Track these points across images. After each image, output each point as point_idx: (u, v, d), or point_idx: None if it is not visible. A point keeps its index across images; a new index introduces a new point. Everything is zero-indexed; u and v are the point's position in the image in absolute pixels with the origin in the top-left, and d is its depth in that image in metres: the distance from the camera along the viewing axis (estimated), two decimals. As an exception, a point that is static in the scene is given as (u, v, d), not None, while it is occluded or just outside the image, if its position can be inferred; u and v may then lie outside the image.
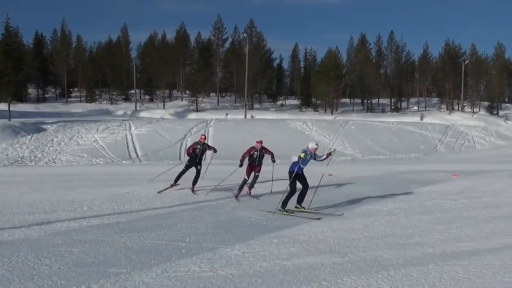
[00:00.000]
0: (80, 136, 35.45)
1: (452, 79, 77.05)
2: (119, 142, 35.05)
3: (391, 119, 59.69)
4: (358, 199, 12.85)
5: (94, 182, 16.49)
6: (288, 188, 10.88)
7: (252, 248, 7.52)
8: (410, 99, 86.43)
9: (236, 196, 12.87)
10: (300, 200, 11.00)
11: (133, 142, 35.63)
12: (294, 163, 10.94)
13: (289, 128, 45.24)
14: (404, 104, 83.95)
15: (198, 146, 14.33)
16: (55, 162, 28.92)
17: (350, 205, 11.93)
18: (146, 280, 5.87)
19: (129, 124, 40.70)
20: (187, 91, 79.52)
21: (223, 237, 8.32)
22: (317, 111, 75.07)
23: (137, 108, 71.44)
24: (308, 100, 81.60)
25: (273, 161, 13.75)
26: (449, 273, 6.21)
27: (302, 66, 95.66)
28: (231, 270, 6.32)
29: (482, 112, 74.15)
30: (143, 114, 65.94)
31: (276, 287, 5.62)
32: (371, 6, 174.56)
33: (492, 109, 76.41)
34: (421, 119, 60.50)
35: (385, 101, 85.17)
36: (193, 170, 14.16)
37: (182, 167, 14.64)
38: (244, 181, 13.25)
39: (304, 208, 10.95)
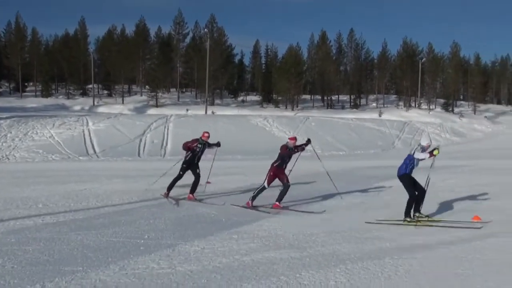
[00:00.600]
0: (35, 132, 34.46)
1: (409, 76, 78.90)
2: (76, 137, 34.28)
3: (350, 115, 60.58)
4: (317, 195, 13.00)
5: (49, 179, 16.11)
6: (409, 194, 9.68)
7: (212, 244, 7.51)
8: (369, 96, 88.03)
9: (250, 207, 10.84)
10: (418, 207, 9.76)
11: (90, 138, 34.92)
12: (405, 166, 9.72)
13: (250, 124, 45.30)
14: (363, 101, 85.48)
15: (199, 145, 12.25)
16: (8, 159, 28.05)
17: (309, 201, 12.06)
18: (103, 277, 5.77)
19: (87, 119, 39.84)
20: (147, 86, 78.62)
21: (182, 233, 8.28)
22: (278, 107, 75.51)
23: (95, 103, 70.08)
24: (269, 96, 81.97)
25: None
26: (404, 266, 6.37)
27: (263, 62, 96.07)
28: (190, 266, 6.29)
29: (438, 109, 76.25)
30: (101, 109, 64.75)
31: (235, 283, 5.63)
32: (332, 4, 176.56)
33: (447, 106, 78.70)
34: (380, 115, 61.64)
35: (345, 98, 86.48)
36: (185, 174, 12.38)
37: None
38: (262, 189, 11.13)
39: (427, 216, 9.80)
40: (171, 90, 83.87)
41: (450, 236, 8.28)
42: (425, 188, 9.98)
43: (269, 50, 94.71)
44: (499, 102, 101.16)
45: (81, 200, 11.49)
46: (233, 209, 10.81)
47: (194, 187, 11.99)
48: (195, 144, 12.22)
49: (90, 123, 38.28)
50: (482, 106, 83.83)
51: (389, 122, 53.39)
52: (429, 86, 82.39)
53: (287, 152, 11.30)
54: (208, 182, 15.21)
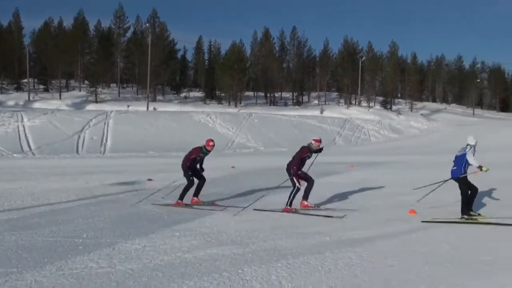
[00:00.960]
0: (-35, 128, 32.84)
1: (350, 74, 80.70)
2: (10, 134, 32.94)
3: (293, 112, 61.38)
4: (260, 191, 13.09)
5: (-19, 177, 15.39)
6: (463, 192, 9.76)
7: (153, 242, 7.43)
8: (311, 93, 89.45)
9: (293, 211, 10.39)
10: (470, 206, 9.80)
11: (25, 134, 33.66)
12: (461, 168, 9.78)
13: (192, 121, 45.07)
14: (305, 98, 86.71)
15: (201, 154, 11.49)
16: None
17: (252, 197, 12.13)
18: (39, 278, 5.58)
19: (21, 115, 38.37)
20: (86, 81, 76.32)
21: (122, 231, 8.14)
22: (221, 103, 75.38)
23: (30, 98, 67.27)
24: (212, 93, 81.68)
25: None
26: (343, 260, 6.54)
27: (206, 58, 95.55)
28: (131, 265, 6.20)
29: (377, 106, 78.50)
30: (37, 104, 62.22)
31: (177, 280, 5.60)
32: (275, 1, 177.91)
33: (386, 104, 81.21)
34: (321, 113, 62.72)
35: (288, 95, 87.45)
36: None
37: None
38: (297, 191, 10.58)
39: (478, 214, 9.87)
40: (111, 85, 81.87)
41: (389, 230, 8.57)
42: None
43: (212, 46, 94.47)
44: (434, 100, 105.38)
45: (15, 199, 11.06)
46: (175, 207, 10.71)
47: (198, 190, 11.36)
48: (197, 155, 11.41)
49: (25, 119, 36.88)
50: (419, 104, 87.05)
51: (331, 119, 54.54)
52: (368, 84, 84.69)
53: (307, 156, 11.16)
54: (149, 180, 15.04)
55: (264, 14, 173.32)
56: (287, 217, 9.68)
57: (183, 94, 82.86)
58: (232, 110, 64.38)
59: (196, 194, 11.30)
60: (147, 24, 76.84)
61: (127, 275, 5.79)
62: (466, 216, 9.53)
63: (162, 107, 60.94)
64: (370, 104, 78.51)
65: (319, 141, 11.16)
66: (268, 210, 10.30)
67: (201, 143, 11.25)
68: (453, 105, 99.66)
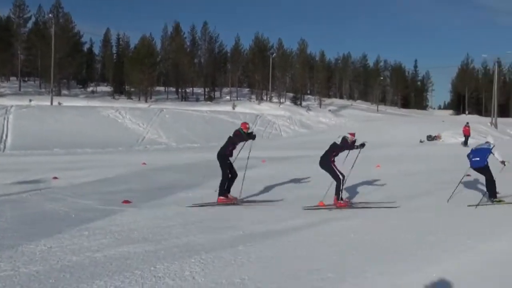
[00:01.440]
0: None
1: (261, 71, 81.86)
2: None
3: (205, 108, 61.21)
4: (173, 187, 13.00)
5: None
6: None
7: (60, 242, 7.13)
8: (223, 89, 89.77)
9: (345, 205, 10.46)
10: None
11: None
12: (486, 159, 10.99)
13: (100, 116, 43.60)
14: (217, 94, 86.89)
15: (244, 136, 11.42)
16: None
17: (165, 193, 12.02)
18: None
19: None
20: (-18, 74, 71.35)
21: (26, 232, 7.73)
22: (131, 99, 73.57)
23: None
24: (121, 87, 79.50)
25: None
26: (256, 253, 6.67)
27: (114, 52, 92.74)
28: (36, 266, 5.92)
29: (288, 102, 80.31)
30: None
31: (87, 280, 5.43)
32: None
33: (296, 100, 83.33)
34: (233, 108, 63.08)
35: (199, 90, 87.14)
36: None
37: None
38: (342, 181, 10.53)
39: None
40: (11, 78, 77.16)
41: (299, 222, 8.85)
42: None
43: (120, 40, 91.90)
44: (341, 97, 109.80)
45: None
46: (84, 204, 10.36)
47: (229, 187, 11.08)
48: (241, 139, 11.39)
49: None
50: (327, 100, 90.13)
51: (242, 115, 54.98)
52: (279, 81, 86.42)
53: (346, 146, 10.99)
54: (55, 178, 14.42)
55: (174, 8, 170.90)
56: (200, 213, 9.69)
57: (90, 89, 79.94)
58: (142, 105, 62.95)
59: (229, 189, 11.07)
60: (50, 15, 73.12)
61: (32, 277, 5.52)
62: (495, 199, 10.89)
63: (67, 102, 58.22)
64: (281, 100, 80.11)
65: (353, 134, 11.11)
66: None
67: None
68: (359, 101, 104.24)
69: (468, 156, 11.45)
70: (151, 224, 8.49)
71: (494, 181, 10.98)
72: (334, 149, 11.03)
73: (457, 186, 11.57)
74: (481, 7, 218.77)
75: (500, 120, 62.69)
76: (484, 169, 11.10)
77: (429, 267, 6.09)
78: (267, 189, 13.03)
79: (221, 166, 11.10)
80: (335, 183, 10.52)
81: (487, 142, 11.46)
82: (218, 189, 10.76)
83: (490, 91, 75.75)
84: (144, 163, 19.96)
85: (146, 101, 71.19)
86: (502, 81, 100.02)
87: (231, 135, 11.32)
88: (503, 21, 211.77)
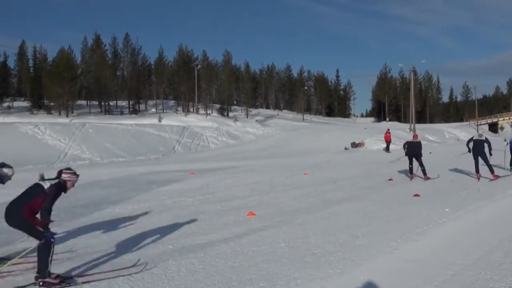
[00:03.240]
0: None
1: (186, 82, 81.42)
2: None
3: (129, 121, 60.07)
4: (98, 203, 12.62)
5: None
6: None
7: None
8: (148, 102, 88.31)
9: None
10: None
11: None
12: None
13: (18, 133, 41.69)
14: (142, 107, 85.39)
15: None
16: None
17: (89, 210, 11.64)
18: None
19: None
20: None
21: None
22: (51, 113, 70.73)
23: None
24: (39, 102, 76.28)
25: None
26: (186, 266, 6.62)
27: (31, 65, 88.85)
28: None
29: (215, 113, 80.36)
30: None
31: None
32: (105, 7, 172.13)
33: (223, 111, 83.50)
34: (159, 121, 62.31)
35: (123, 103, 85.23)
36: None
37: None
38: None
39: None
40: None
41: (229, 233, 8.86)
42: None
43: (37, 52, 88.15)
44: (267, 107, 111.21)
45: None
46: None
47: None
48: None
49: None
50: (254, 111, 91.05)
51: (169, 127, 54.46)
52: (205, 92, 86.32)
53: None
54: None
55: (94, 20, 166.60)
56: (127, 228, 9.46)
57: (6, 104, 76.05)
58: (63, 120, 60.71)
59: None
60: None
61: None
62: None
63: (-19, 119, 55.18)
64: (208, 112, 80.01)
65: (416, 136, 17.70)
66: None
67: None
68: (285, 111, 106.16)
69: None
70: (76, 242, 8.19)
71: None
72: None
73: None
74: (396, 18, 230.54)
75: (417, 126, 66.01)
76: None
77: (356, 270, 6.31)
78: (195, 202, 12.95)
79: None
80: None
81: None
82: None
83: (407, 99, 79.49)
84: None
85: (67, 116, 68.68)
86: (418, 89, 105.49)
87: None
88: (418, 32, 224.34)
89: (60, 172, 6.53)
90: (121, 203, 12.63)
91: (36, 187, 6.19)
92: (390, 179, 13.71)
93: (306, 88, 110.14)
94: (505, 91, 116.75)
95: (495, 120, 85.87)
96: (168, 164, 29.34)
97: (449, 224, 9.17)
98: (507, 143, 18.00)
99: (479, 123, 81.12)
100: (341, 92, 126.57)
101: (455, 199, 12.09)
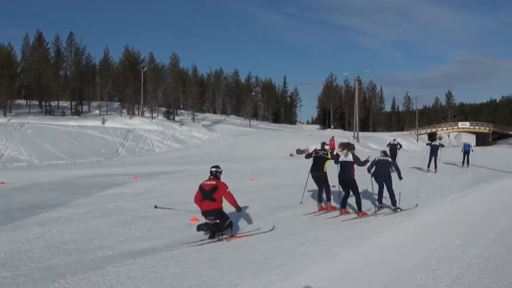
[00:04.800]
0: None
1: (132, 84, 79.84)
2: None
3: (71, 122, 58.35)
4: (34, 207, 12.15)
5: None
6: None
7: None
8: (92, 103, 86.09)
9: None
10: None
11: None
12: None
13: (-50, 132, 39.62)
14: (85, 108, 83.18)
15: None
16: None
17: (26, 214, 11.17)
18: None
19: None
20: None
21: None
22: (-13, 112, 67.67)
23: None
24: (-25, 101, 72.87)
25: None
26: (126, 272, 6.46)
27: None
28: None
29: (161, 117, 79.27)
30: None
31: None
32: (48, 3, 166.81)
33: (169, 115, 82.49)
34: (103, 123, 60.88)
35: (66, 104, 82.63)
36: None
37: None
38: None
39: None
40: None
41: (171, 238, 8.73)
42: None
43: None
44: (214, 112, 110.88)
45: None
46: None
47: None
48: None
49: None
50: (200, 115, 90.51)
51: (113, 130, 53.33)
52: (151, 95, 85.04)
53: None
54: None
55: (36, 17, 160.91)
56: (65, 233, 9.14)
57: None
58: (0, 120, 58.24)
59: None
60: None
61: None
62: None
63: None
64: (154, 115, 78.87)
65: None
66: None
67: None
68: (232, 116, 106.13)
69: None
70: (8, 249, 7.84)
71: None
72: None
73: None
74: (344, 28, 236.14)
75: (361, 134, 67.61)
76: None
77: (298, 276, 6.34)
78: (137, 206, 12.69)
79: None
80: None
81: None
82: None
83: (352, 107, 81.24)
84: (3, 183, 18.46)
85: (5, 115, 65.78)
86: (362, 98, 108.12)
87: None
88: (364, 42, 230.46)
89: None
90: (59, 207, 12.21)
91: None
92: (333, 186, 13.87)
93: (253, 94, 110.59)
94: (443, 103, 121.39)
95: (434, 130, 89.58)
96: (111, 167, 28.68)
97: (390, 231, 9.40)
98: (462, 149, 24.46)
99: (419, 133, 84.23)
100: (288, 99, 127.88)
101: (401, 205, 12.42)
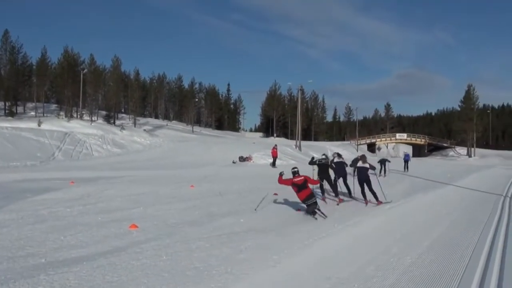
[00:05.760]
0: None
1: (71, 86, 77.74)
2: None
3: (5, 124, 56.09)
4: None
5: None
6: None
7: None
8: (27, 104, 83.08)
9: None
10: None
11: None
12: None
13: None
14: (20, 109, 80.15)
15: None
16: None
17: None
18: None
19: None
20: None
21: None
22: None
23: None
24: None
25: None
26: (60, 281, 6.25)
27: None
28: None
29: (100, 121, 77.56)
30: None
31: None
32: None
33: (109, 118, 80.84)
34: (39, 125, 58.92)
35: (-1, 105, 79.40)
36: None
37: None
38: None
39: None
40: None
41: (109, 246, 8.52)
42: None
43: None
44: (157, 117, 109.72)
45: None
46: None
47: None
48: None
49: None
50: (142, 120, 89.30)
51: (49, 132, 51.62)
52: (91, 98, 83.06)
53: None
54: None
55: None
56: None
57: None
58: None
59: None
60: None
61: None
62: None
63: None
64: (93, 118, 77.04)
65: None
66: None
67: None
68: (174, 121, 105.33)
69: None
70: None
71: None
72: None
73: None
74: (289, 38, 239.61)
75: (303, 143, 68.69)
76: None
77: (237, 284, 6.35)
78: (74, 212, 12.31)
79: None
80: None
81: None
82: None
83: (295, 116, 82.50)
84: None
85: None
86: (305, 108, 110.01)
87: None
88: (308, 53, 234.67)
89: None
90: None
91: None
92: (275, 193, 14.03)
93: (197, 100, 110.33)
94: (383, 114, 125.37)
95: (373, 140, 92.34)
96: (46, 171, 27.70)
97: (329, 239, 9.58)
98: (403, 157, 30.03)
99: (359, 143, 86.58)
100: (232, 106, 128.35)
101: (334, 215, 12.69)
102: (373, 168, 15.33)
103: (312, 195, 12.38)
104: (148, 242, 8.91)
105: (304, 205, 12.58)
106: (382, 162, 29.50)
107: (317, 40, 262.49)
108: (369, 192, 14.78)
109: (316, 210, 12.18)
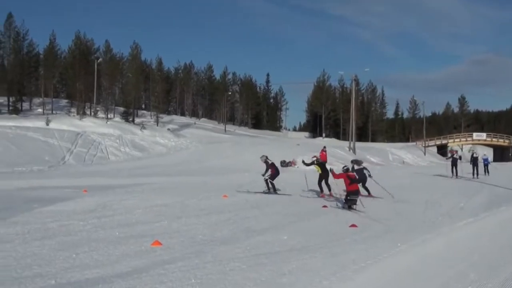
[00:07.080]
0: None
1: (83, 79, 78.86)
2: None
3: (8, 122, 57.71)
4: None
5: None
6: None
7: None
8: (34, 100, 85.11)
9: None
10: None
11: None
12: None
13: None
14: (26, 105, 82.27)
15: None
16: None
17: None
18: None
19: None
20: None
21: None
22: None
23: None
24: None
25: None
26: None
27: None
28: None
29: (117, 118, 78.73)
30: None
31: None
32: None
33: (127, 116, 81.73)
34: (47, 124, 60.29)
35: (2, 100, 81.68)
36: None
37: None
38: None
39: None
40: None
41: (126, 266, 8.65)
42: None
43: None
44: (183, 114, 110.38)
45: None
46: None
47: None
48: None
49: None
50: (166, 117, 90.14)
51: (59, 133, 52.86)
52: (106, 92, 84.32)
53: None
54: None
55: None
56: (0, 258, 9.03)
57: None
58: None
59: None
60: None
61: None
62: None
63: None
64: (109, 116, 78.32)
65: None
66: None
67: None
68: (204, 119, 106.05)
69: None
70: None
71: None
72: None
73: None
74: (336, 18, 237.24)
75: (358, 144, 67.90)
76: None
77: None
78: (87, 226, 12.57)
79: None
80: None
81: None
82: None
83: (348, 112, 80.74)
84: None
85: None
86: (360, 102, 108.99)
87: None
88: (359, 35, 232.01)
89: None
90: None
91: None
92: (324, 206, 13.98)
93: (230, 93, 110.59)
94: (456, 109, 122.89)
95: (444, 142, 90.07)
96: (56, 178, 28.33)
97: (390, 261, 9.47)
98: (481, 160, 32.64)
99: (427, 144, 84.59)
100: (271, 100, 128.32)
101: (397, 230, 12.53)
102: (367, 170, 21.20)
103: (358, 191, 16.64)
104: (174, 262, 9.01)
105: (343, 200, 16.85)
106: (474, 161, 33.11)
107: (369, 19, 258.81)
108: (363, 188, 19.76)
109: (354, 206, 15.90)
